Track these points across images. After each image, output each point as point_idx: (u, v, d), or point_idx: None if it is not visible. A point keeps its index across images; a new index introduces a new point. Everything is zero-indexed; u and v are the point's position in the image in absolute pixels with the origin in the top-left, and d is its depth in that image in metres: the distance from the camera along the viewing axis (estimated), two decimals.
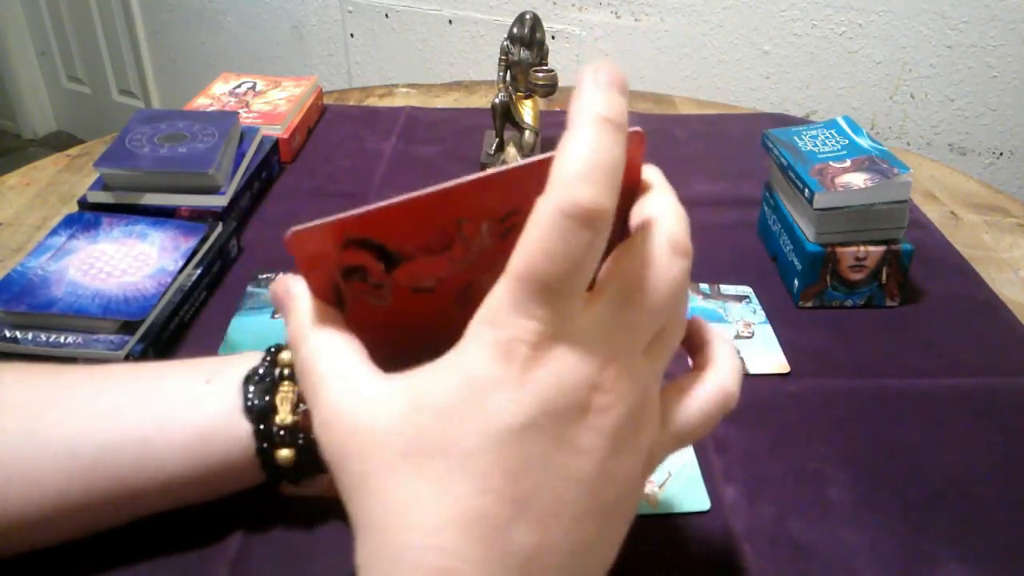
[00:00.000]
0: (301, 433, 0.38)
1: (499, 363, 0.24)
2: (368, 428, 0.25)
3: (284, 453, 0.38)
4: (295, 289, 0.30)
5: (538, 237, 0.23)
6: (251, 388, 0.38)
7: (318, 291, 0.30)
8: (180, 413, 0.38)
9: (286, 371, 0.39)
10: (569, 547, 0.25)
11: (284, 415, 0.38)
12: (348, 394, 0.26)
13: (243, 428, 0.38)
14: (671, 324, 0.28)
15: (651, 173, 0.30)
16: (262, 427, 0.38)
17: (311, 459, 0.38)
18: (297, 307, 0.29)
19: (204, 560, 0.39)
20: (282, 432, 0.38)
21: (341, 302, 0.30)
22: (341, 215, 0.27)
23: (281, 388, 0.38)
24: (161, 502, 0.39)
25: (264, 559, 0.39)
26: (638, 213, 0.28)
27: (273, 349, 0.40)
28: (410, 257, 0.29)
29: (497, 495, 0.23)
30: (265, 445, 0.38)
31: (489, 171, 0.28)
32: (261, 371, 0.39)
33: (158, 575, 0.39)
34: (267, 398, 0.38)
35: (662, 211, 0.28)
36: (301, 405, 0.38)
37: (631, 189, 0.30)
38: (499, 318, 0.24)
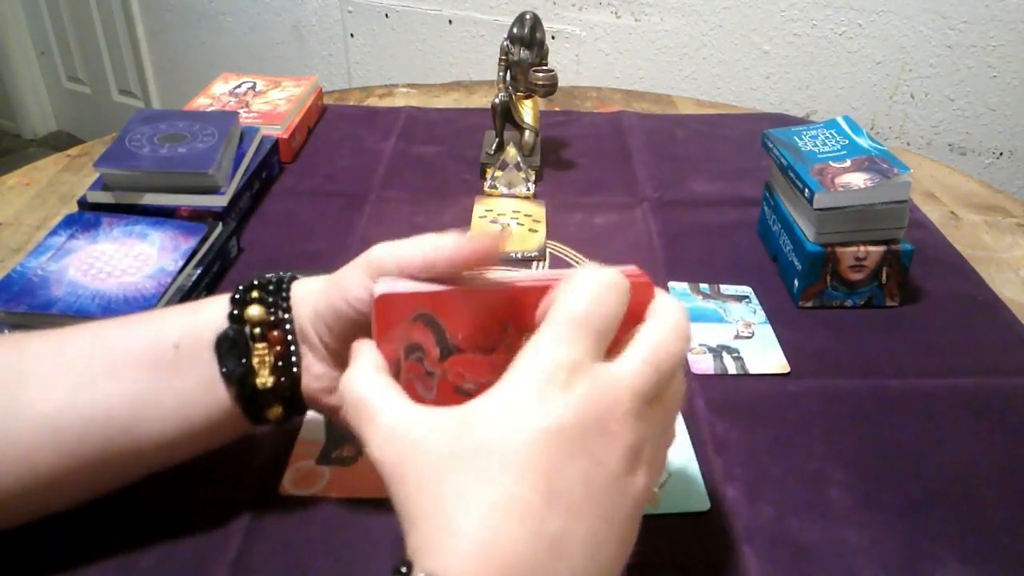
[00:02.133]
0: (286, 391, 0.39)
1: (541, 382, 0.30)
2: (423, 439, 0.30)
3: (275, 411, 0.39)
4: (362, 345, 0.35)
5: (576, 292, 0.32)
6: (224, 354, 0.38)
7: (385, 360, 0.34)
8: (157, 381, 0.38)
9: (256, 331, 0.39)
10: (587, 540, 0.29)
11: (265, 379, 0.38)
12: (402, 418, 0.31)
13: (224, 393, 0.38)
14: (672, 391, 0.34)
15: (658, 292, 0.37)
16: (244, 389, 0.38)
17: (297, 408, 0.40)
18: (360, 357, 0.34)
19: (204, 560, 0.39)
20: (266, 394, 0.39)
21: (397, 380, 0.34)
22: (419, 288, 0.34)
23: (256, 351, 0.39)
24: (155, 462, 0.40)
25: (264, 559, 0.40)
26: (651, 311, 0.35)
27: (237, 297, 0.40)
28: (461, 351, 0.35)
29: (533, 486, 0.28)
30: (251, 405, 0.39)
31: (542, 281, 0.34)
32: (231, 334, 0.39)
33: (158, 574, 0.39)
34: (243, 361, 0.38)
35: (672, 311, 0.35)
36: (279, 363, 0.39)
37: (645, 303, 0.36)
38: (542, 349, 0.31)
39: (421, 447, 0.30)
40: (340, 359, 0.38)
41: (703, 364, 0.54)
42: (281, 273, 0.41)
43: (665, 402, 0.34)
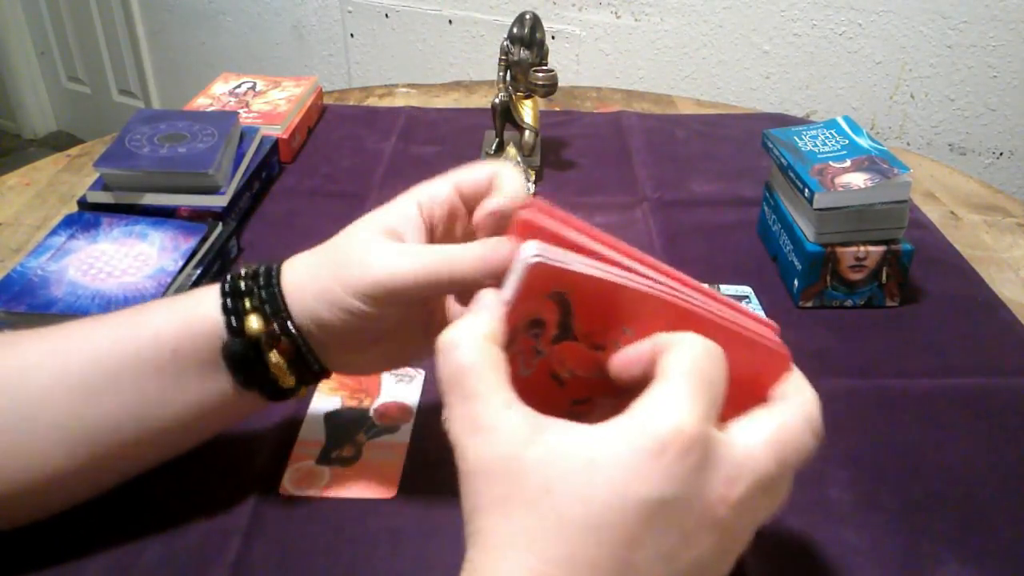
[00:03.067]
0: (311, 380, 0.39)
1: (656, 441, 0.26)
2: (520, 455, 0.27)
3: (302, 392, 0.40)
4: (488, 302, 0.30)
5: (693, 348, 0.29)
6: (237, 367, 0.37)
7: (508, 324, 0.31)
8: (163, 389, 0.37)
9: (263, 341, 0.37)
10: None
11: (286, 380, 0.38)
12: (506, 423, 0.28)
13: (246, 399, 0.38)
14: (787, 483, 0.31)
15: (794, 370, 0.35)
16: (266, 388, 0.38)
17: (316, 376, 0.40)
18: (480, 315, 0.30)
19: (204, 560, 0.39)
20: (292, 388, 0.39)
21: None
22: (573, 265, 0.30)
23: (272, 363, 0.37)
24: (178, 446, 0.40)
25: (264, 559, 0.39)
26: (782, 391, 0.33)
27: (228, 305, 0.37)
28: (575, 338, 0.32)
29: (613, 552, 0.26)
30: (277, 396, 0.39)
31: (686, 300, 0.31)
32: (238, 348, 0.37)
33: (158, 574, 0.39)
34: (259, 370, 0.37)
35: (808, 396, 0.32)
36: (297, 360, 0.38)
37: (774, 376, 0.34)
38: (662, 407, 0.27)
39: (515, 466, 0.27)
40: (355, 343, 0.38)
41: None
42: (260, 267, 0.39)
43: (778, 493, 0.31)
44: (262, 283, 0.38)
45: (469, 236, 0.38)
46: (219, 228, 0.63)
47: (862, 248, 0.59)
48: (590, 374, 0.33)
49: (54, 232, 0.60)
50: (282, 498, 0.43)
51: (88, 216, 0.62)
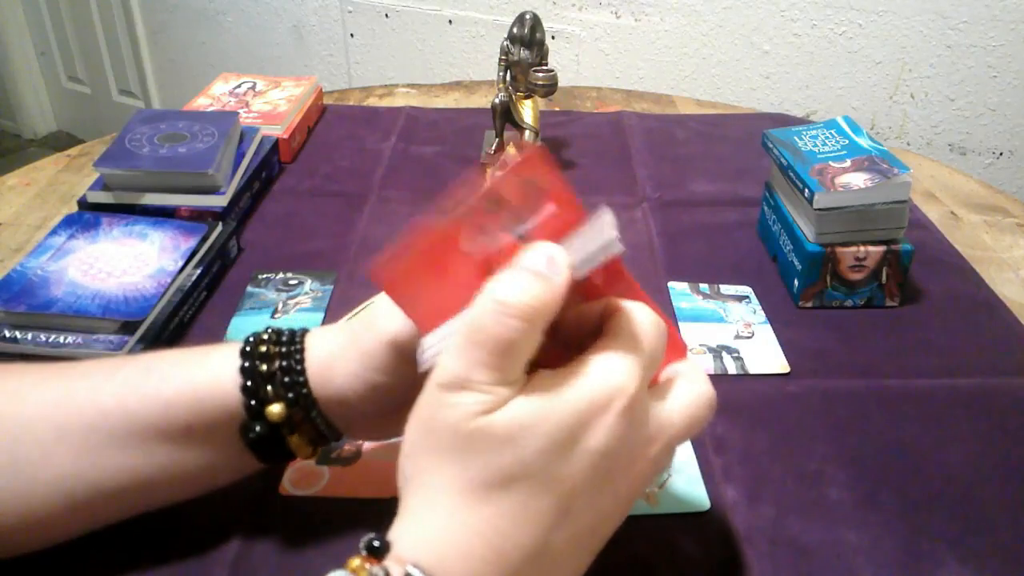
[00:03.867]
0: (321, 441, 0.39)
1: (602, 402, 0.29)
2: (496, 420, 0.28)
3: (317, 451, 0.40)
4: (560, 279, 0.30)
5: (645, 318, 0.32)
6: (258, 450, 0.37)
7: None
8: (171, 456, 0.36)
9: (284, 429, 0.37)
10: (569, 553, 0.30)
11: (306, 453, 0.38)
12: (507, 392, 0.29)
13: (255, 463, 0.38)
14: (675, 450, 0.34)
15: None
16: (283, 460, 0.38)
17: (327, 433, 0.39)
18: (557, 290, 0.29)
19: (204, 560, 0.39)
20: (312, 455, 0.39)
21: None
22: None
23: (291, 441, 0.37)
24: (173, 501, 0.39)
25: (264, 559, 0.39)
26: (684, 370, 0.34)
27: (249, 384, 0.36)
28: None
29: (560, 503, 0.29)
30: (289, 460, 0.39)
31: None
32: (260, 432, 0.36)
33: (158, 574, 0.39)
34: (279, 449, 0.37)
35: (705, 379, 0.34)
36: (318, 437, 0.38)
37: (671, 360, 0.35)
38: (613, 365, 0.30)
39: (495, 430, 0.28)
40: (377, 415, 0.38)
41: (703, 364, 0.54)
42: (282, 339, 0.38)
43: (673, 454, 0.34)
44: (284, 365, 0.37)
45: None
46: (219, 228, 0.63)
47: (862, 248, 0.59)
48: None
49: (54, 232, 0.60)
50: (282, 498, 0.43)
51: (88, 216, 0.62)
